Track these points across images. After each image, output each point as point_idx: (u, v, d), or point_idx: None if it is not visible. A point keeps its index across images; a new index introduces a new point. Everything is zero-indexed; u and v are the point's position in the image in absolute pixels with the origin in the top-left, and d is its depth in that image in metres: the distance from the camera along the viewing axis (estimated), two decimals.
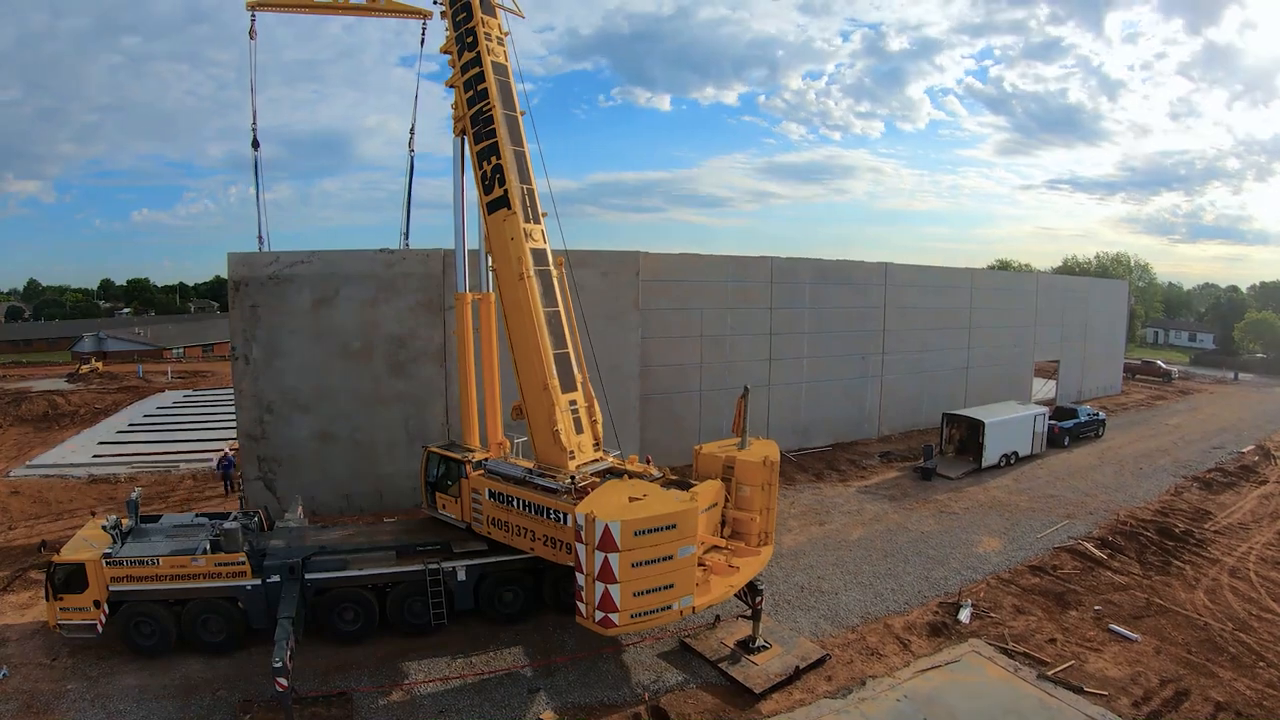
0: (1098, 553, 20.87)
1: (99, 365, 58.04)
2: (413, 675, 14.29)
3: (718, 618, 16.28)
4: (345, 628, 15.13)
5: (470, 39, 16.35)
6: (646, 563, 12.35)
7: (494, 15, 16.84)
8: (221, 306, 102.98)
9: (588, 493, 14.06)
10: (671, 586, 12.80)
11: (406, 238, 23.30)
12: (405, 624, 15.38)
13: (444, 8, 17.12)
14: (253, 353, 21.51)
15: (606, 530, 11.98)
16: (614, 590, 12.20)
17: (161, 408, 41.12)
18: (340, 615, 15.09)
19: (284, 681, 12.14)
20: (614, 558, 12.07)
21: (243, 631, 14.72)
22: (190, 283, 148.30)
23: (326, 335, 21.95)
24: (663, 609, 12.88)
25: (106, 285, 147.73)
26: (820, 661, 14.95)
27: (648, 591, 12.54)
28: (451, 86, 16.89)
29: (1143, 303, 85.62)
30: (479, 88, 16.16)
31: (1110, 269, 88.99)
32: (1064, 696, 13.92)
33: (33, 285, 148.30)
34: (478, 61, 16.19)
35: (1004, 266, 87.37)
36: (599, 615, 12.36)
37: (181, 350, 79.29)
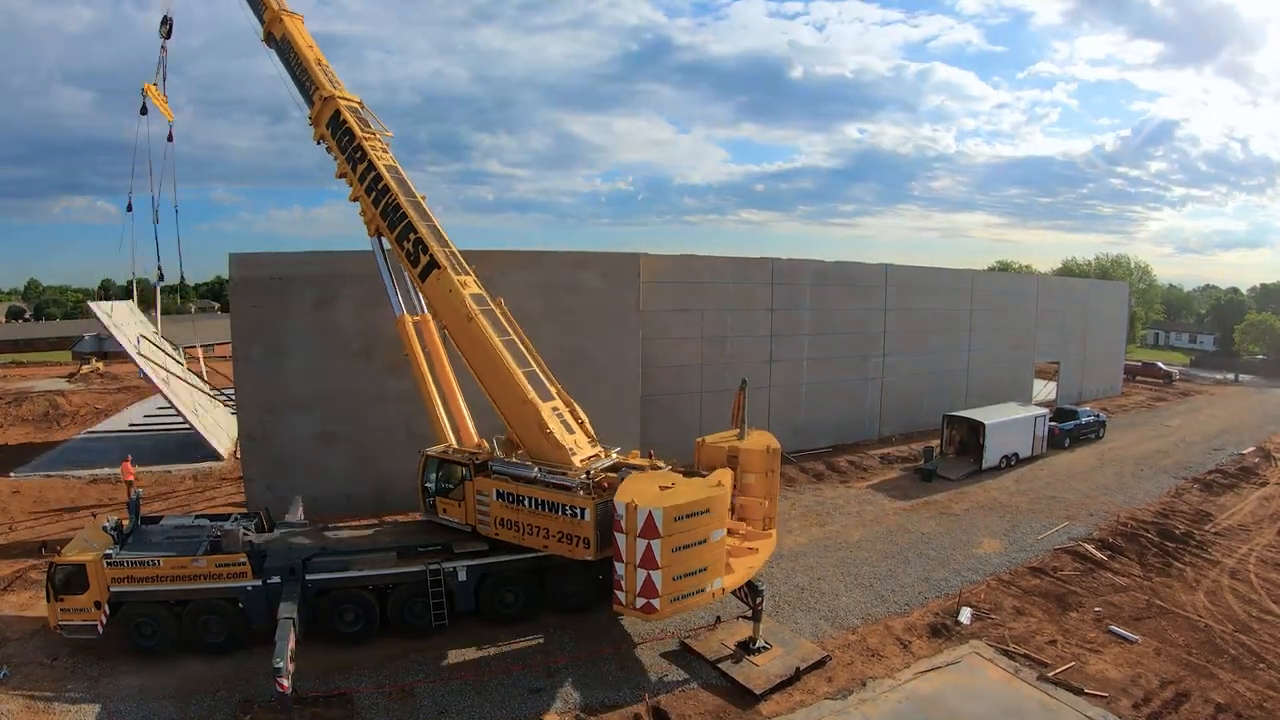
0: (1098, 554, 20.87)
1: (99, 365, 57.94)
2: (413, 675, 14.30)
3: (718, 619, 16.29)
4: (346, 629, 15.13)
5: (359, 154, 18.05)
6: (684, 547, 12.95)
7: (372, 131, 18.54)
8: (222, 307, 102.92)
9: (604, 487, 14.60)
10: (705, 570, 13.38)
11: None
12: (406, 625, 15.38)
13: (328, 145, 18.72)
14: (254, 353, 21.52)
15: (649, 517, 12.53)
16: (655, 576, 12.75)
17: (162, 407, 41.07)
18: (341, 616, 15.09)
19: (284, 682, 12.15)
20: (656, 544, 12.62)
21: (243, 632, 14.71)
22: (191, 283, 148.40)
23: (327, 336, 21.95)
24: (698, 591, 13.48)
25: (107, 285, 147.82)
26: (821, 663, 14.95)
27: (685, 575, 13.12)
28: (356, 199, 18.34)
29: (1143, 304, 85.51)
30: (380, 187, 17.73)
31: (1110, 271, 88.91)
32: (1064, 698, 13.92)
33: (33, 285, 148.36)
34: (372, 168, 17.82)
35: (1004, 268, 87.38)
36: (640, 602, 12.87)
37: (182, 350, 79.20)
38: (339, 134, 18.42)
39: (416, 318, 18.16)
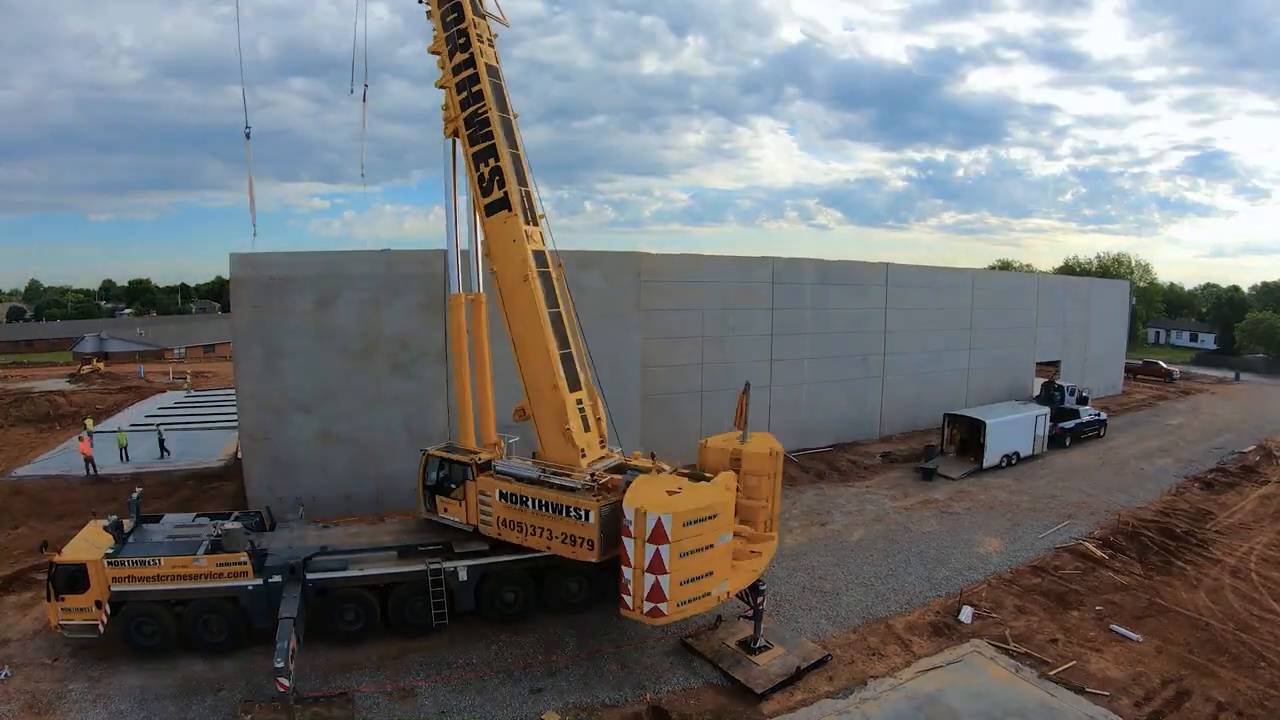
0: (1099, 553, 20.86)
1: (100, 365, 58.07)
2: (414, 675, 14.31)
3: (719, 618, 16.27)
4: (346, 628, 15.13)
5: (462, 40, 16.06)
6: (692, 552, 12.89)
7: (484, 17, 16.66)
8: (223, 307, 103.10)
9: (609, 489, 14.36)
10: (711, 574, 13.35)
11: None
12: (406, 624, 15.39)
13: (430, 7, 16.76)
14: (255, 353, 21.53)
15: (659, 523, 12.45)
16: (664, 581, 12.70)
17: (163, 408, 41.14)
18: (341, 615, 15.09)
19: (285, 682, 12.16)
20: (665, 549, 12.56)
21: (244, 632, 14.71)
22: (192, 283, 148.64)
23: (328, 336, 21.96)
24: (704, 596, 13.44)
25: (108, 286, 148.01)
26: (822, 662, 14.96)
27: (692, 580, 13.08)
28: (442, 87, 16.62)
29: (1144, 303, 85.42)
30: (474, 89, 15.96)
31: (1111, 269, 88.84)
32: (1065, 697, 13.92)
33: (34, 285, 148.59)
34: (471, 63, 15.96)
35: (1005, 267, 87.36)
36: (648, 606, 12.82)
37: (183, 350, 79.41)
38: (445, 3, 16.27)
39: (471, 296, 17.18)
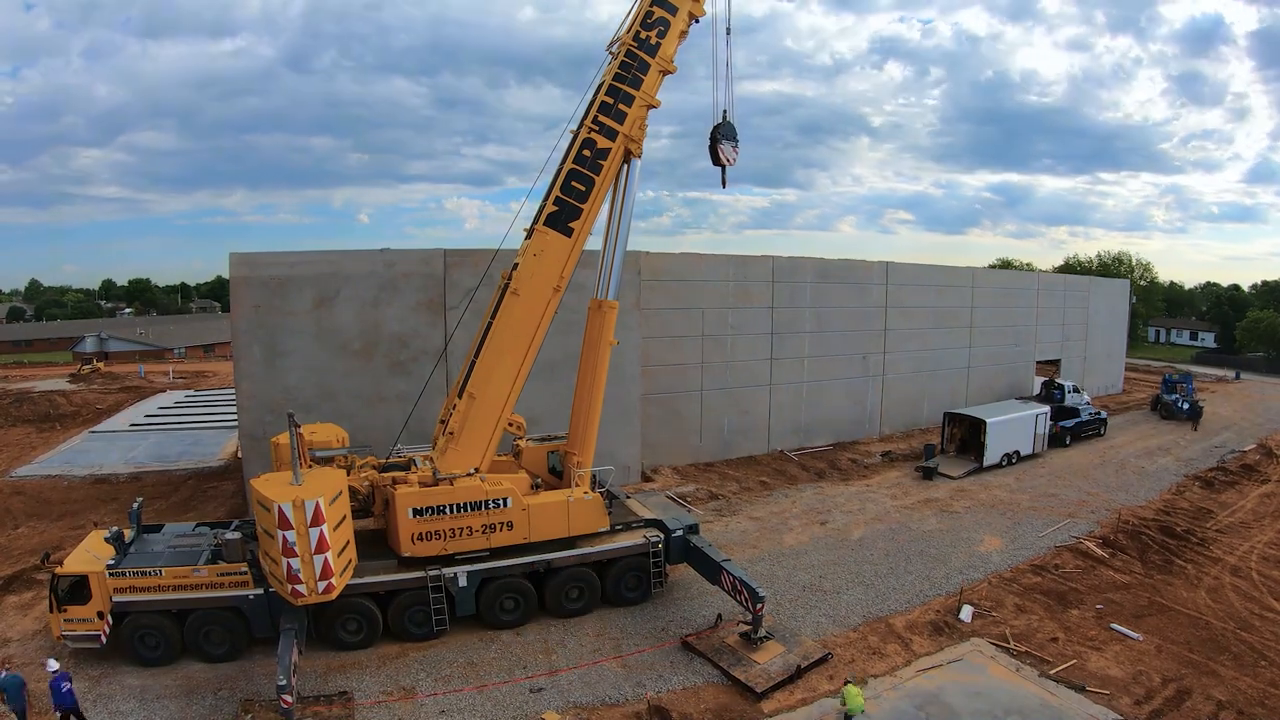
0: (1099, 552, 20.86)
1: (100, 365, 58.05)
2: (414, 675, 14.30)
3: (719, 618, 16.28)
4: (349, 638, 15.06)
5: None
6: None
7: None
8: (223, 307, 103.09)
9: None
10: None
11: None
12: (407, 632, 15.36)
13: (683, 26, 17.18)
14: (255, 353, 21.51)
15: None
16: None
17: (163, 408, 41.15)
18: (344, 626, 15.03)
19: (289, 698, 12.01)
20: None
21: (245, 642, 14.65)
22: (192, 283, 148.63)
23: (328, 335, 21.94)
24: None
25: (108, 286, 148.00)
26: (822, 660, 14.96)
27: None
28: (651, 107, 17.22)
29: (1144, 301, 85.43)
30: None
31: (1111, 268, 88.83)
32: (1066, 695, 13.92)
33: (34, 286, 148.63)
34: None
35: (1006, 265, 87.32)
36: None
37: (183, 350, 79.44)
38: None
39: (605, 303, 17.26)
